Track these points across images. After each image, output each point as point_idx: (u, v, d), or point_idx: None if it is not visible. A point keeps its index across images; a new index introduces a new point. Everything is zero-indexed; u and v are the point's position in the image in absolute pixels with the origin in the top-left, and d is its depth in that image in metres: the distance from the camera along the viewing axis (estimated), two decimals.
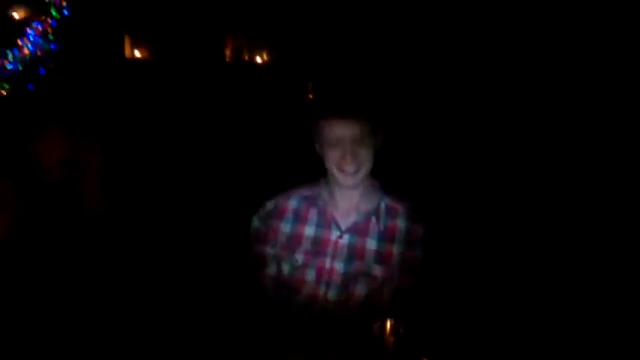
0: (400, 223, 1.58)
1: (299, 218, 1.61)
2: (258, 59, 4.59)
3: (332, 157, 1.50)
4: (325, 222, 1.57)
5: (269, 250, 1.60)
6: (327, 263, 1.54)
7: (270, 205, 1.65)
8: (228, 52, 4.30)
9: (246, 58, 4.54)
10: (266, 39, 4.37)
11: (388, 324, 1.26)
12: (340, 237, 1.56)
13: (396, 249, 1.56)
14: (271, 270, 1.59)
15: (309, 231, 1.59)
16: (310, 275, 1.53)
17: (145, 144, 3.31)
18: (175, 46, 4.04)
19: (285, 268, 1.56)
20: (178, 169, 3.44)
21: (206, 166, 3.52)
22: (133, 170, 2.90)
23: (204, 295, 1.84)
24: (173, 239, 2.68)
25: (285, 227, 1.60)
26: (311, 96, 4.06)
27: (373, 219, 1.57)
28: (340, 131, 1.47)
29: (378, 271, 1.53)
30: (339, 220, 1.57)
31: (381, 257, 1.54)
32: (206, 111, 3.90)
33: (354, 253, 1.55)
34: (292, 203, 1.63)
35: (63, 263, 2.06)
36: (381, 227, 1.56)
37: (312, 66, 4.04)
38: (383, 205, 1.59)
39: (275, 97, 3.98)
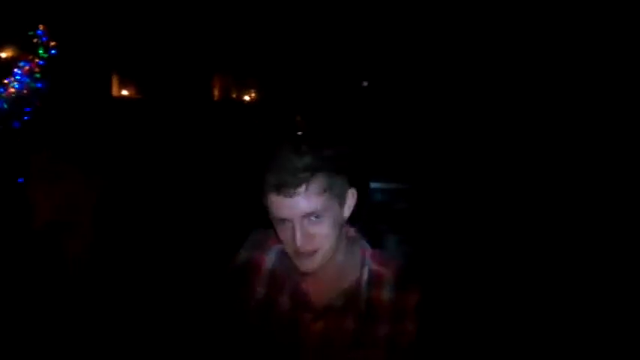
0: (385, 294, 1.31)
1: (274, 284, 1.35)
2: (247, 97, 4.62)
3: (282, 237, 1.23)
4: (298, 299, 1.31)
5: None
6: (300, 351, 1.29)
7: (243, 255, 1.36)
8: (216, 91, 4.33)
9: (234, 96, 4.57)
10: (254, 77, 4.42)
11: None
12: (314, 321, 1.30)
13: (380, 330, 1.30)
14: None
15: (284, 304, 1.33)
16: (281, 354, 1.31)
17: (133, 181, 3.28)
18: (163, 85, 4.05)
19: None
20: (168, 205, 3.39)
21: (195, 202, 3.48)
22: (122, 207, 2.86)
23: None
24: (162, 274, 2.63)
25: (259, 292, 1.35)
26: (300, 132, 4.08)
27: (352, 298, 1.29)
28: (285, 211, 1.19)
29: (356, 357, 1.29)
30: (312, 298, 1.29)
31: (360, 341, 1.28)
32: (194, 149, 3.88)
33: (328, 340, 1.30)
34: (269, 260, 1.36)
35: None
36: (362, 303, 1.29)
37: (301, 102, 4.08)
38: (365, 274, 1.30)
39: (264, 134, 3.99)
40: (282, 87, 4.23)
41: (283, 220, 1.19)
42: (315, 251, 1.21)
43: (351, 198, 1.20)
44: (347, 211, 1.22)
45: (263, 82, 4.34)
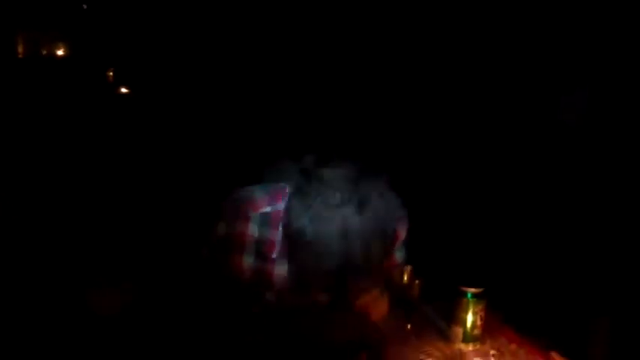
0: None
1: (263, 255, 1.40)
2: (60, 52, 4.46)
3: None
4: None
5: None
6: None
7: (222, 226, 1.42)
8: (20, 47, 4.13)
9: (45, 52, 4.39)
10: (63, 31, 4.27)
11: (408, 270, 1.44)
12: None
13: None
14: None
15: (281, 270, 1.41)
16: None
17: None
18: None
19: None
20: None
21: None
22: None
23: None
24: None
25: (247, 260, 1.41)
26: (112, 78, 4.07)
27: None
28: None
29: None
30: None
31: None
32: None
33: None
34: (252, 230, 1.39)
35: None
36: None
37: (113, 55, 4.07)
38: None
39: (76, 90, 3.95)
40: (94, 41, 4.16)
41: None
42: None
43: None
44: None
45: (73, 37, 4.23)
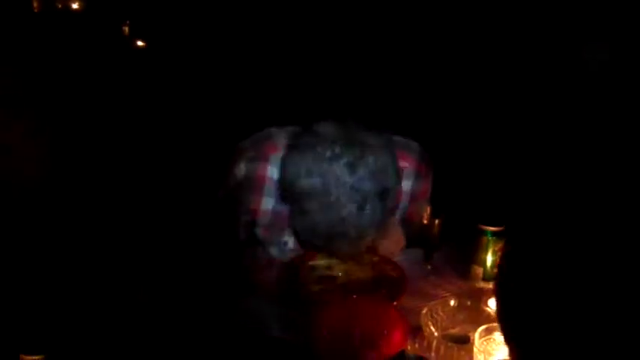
0: (406, 185, 1.43)
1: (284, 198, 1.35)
2: (75, 6, 4.43)
3: None
4: None
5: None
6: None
7: (241, 168, 1.38)
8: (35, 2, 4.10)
9: (60, 6, 4.36)
10: None
11: (428, 210, 1.44)
12: None
13: (398, 214, 1.47)
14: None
15: None
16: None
17: None
18: None
19: (273, 251, 1.40)
20: None
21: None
22: None
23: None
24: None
25: (267, 204, 1.37)
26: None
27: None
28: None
29: None
30: None
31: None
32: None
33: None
34: (272, 172, 1.34)
35: None
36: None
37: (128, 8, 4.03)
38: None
39: (92, 44, 3.93)
40: None
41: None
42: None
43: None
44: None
45: None
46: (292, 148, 1.25)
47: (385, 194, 1.23)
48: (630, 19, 2.96)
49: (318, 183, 1.18)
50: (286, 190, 1.27)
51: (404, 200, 1.47)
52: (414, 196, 1.48)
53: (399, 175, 1.30)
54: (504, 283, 0.61)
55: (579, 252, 0.52)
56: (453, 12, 3.57)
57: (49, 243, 2.25)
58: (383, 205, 1.23)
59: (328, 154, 1.17)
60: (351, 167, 1.18)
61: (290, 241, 1.42)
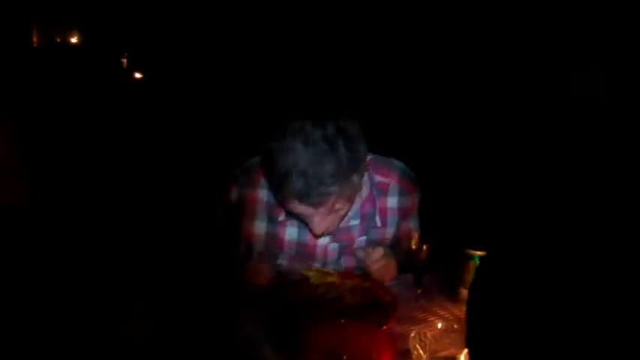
0: (391, 202, 1.47)
1: (274, 218, 1.39)
2: (73, 40, 4.52)
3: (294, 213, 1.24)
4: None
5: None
6: (318, 265, 1.44)
7: (234, 194, 1.42)
8: (35, 37, 4.20)
9: (59, 40, 4.46)
10: (76, 19, 4.32)
11: (416, 236, 1.46)
12: (330, 243, 1.45)
13: (387, 232, 1.50)
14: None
15: (290, 234, 1.41)
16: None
17: None
18: None
19: (266, 270, 1.40)
20: None
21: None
22: None
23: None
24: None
25: (259, 228, 1.41)
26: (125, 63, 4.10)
27: (366, 214, 1.42)
28: (305, 212, 1.20)
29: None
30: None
31: (372, 242, 1.48)
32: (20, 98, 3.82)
33: (345, 252, 1.48)
34: (262, 194, 1.38)
35: None
36: (375, 215, 1.45)
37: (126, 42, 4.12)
38: (374, 188, 1.43)
39: (90, 75, 4.00)
40: (107, 27, 4.21)
41: (300, 216, 1.21)
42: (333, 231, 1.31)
43: (364, 162, 1.20)
44: (362, 172, 1.20)
45: (86, 24, 4.29)
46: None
47: (350, 142, 1.15)
48: (621, 48, 3.01)
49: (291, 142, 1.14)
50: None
51: (391, 216, 1.50)
52: (402, 213, 1.50)
53: (364, 143, 1.23)
54: (472, 315, 0.63)
55: (536, 287, 0.55)
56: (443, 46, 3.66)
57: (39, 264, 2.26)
58: (349, 159, 1.14)
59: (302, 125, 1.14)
60: (319, 123, 1.14)
61: (284, 263, 1.45)
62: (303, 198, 1.12)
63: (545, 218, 0.65)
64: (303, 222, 1.30)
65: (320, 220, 1.22)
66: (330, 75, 3.78)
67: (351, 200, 1.26)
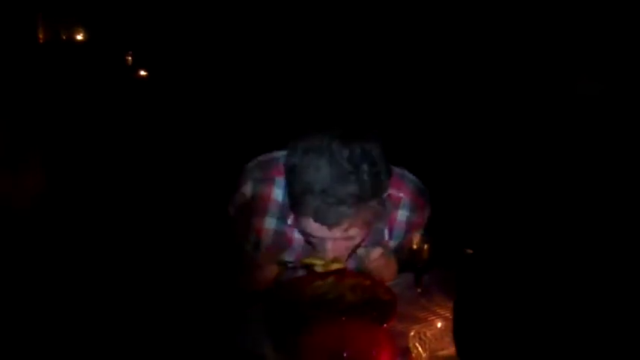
0: (401, 215, 1.47)
1: (286, 219, 1.38)
2: (79, 37, 4.54)
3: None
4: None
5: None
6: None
7: (248, 189, 1.41)
8: (41, 33, 4.22)
9: (64, 37, 4.48)
10: (81, 16, 4.34)
11: (417, 236, 1.48)
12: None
13: (392, 243, 1.51)
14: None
15: (299, 233, 1.40)
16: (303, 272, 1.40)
17: None
18: None
19: (272, 265, 1.39)
20: None
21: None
22: None
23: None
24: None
25: (269, 223, 1.41)
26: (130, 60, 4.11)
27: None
28: (319, 233, 1.22)
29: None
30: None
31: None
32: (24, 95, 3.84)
33: (351, 254, 1.46)
34: (277, 194, 1.39)
35: None
36: (383, 225, 1.45)
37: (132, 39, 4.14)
38: (385, 201, 1.40)
39: (96, 72, 4.02)
40: (112, 24, 4.23)
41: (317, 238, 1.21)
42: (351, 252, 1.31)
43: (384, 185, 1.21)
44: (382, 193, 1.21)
45: (91, 21, 4.30)
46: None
47: (374, 167, 1.17)
48: (621, 48, 3.00)
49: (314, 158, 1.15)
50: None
51: (399, 229, 1.52)
52: (410, 227, 1.51)
53: (388, 169, 1.26)
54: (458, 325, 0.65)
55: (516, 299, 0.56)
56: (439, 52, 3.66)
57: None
58: (371, 184, 1.17)
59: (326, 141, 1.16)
60: (346, 144, 1.15)
61: (291, 259, 1.46)
62: (318, 215, 1.12)
63: (539, 217, 0.66)
64: (313, 246, 1.30)
65: (332, 245, 1.23)
66: (330, 74, 3.79)
67: (365, 228, 1.27)
